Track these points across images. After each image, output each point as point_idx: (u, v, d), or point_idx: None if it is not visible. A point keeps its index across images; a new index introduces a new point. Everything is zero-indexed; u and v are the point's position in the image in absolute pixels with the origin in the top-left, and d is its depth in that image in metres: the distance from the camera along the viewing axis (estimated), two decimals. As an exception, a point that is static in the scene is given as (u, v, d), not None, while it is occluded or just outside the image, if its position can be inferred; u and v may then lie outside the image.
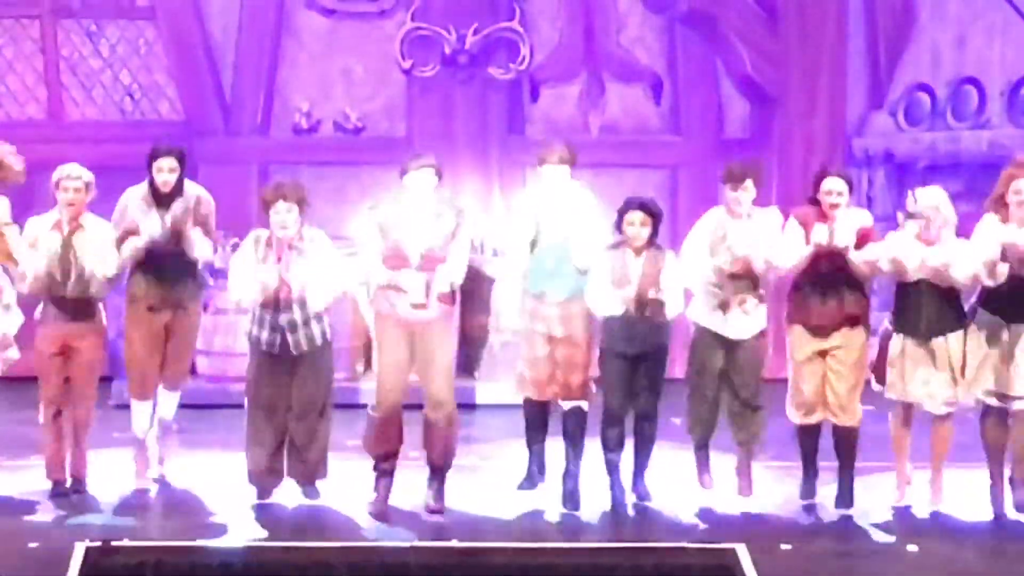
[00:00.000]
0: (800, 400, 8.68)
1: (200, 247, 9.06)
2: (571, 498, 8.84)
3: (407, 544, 8.45)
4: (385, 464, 8.89)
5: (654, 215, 8.69)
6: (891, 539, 8.49)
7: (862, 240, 8.86)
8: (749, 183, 8.58)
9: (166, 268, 9.05)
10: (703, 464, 8.92)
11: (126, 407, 9.66)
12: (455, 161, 12.22)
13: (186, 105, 12.73)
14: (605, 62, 12.81)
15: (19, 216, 9.68)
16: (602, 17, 12.73)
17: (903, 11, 12.85)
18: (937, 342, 8.58)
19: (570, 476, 8.90)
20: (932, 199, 8.89)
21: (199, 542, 8.35)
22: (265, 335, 8.67)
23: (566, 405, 8.90)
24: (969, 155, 12.73)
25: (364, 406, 9.51)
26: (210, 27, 12.58)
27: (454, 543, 8.34)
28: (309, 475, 8.86)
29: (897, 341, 8.70)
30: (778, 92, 12.78)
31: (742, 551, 7.90)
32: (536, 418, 9.01)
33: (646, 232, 8.67)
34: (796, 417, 8.67)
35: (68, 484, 8.90)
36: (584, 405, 8.89)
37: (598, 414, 9.07)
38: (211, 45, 12.62)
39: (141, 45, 12.71)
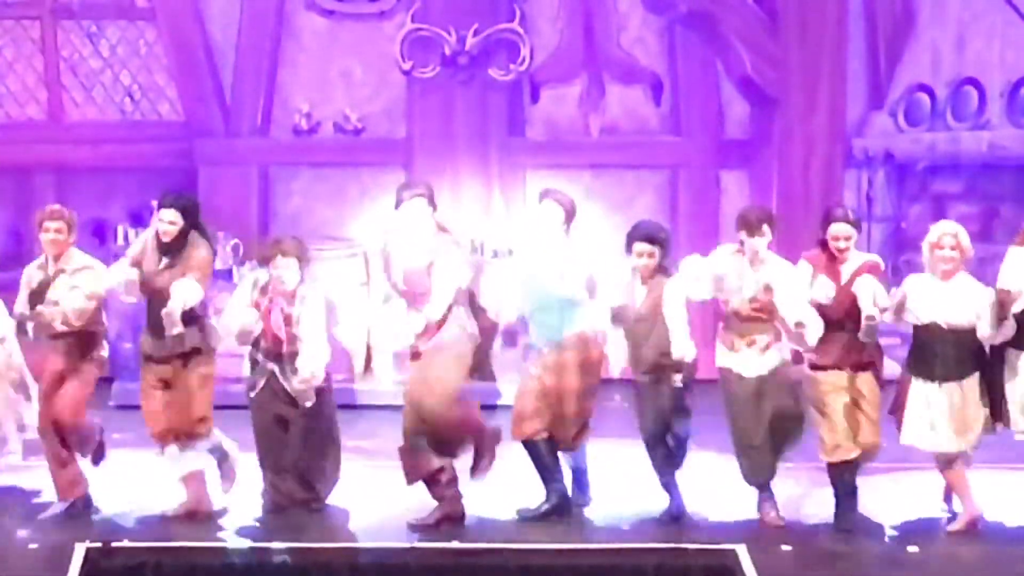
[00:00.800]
0: (833, 439, 8.55)
1: (179, 295, 8.72)
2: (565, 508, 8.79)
3: (407, 545, 8.38)
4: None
5: (661, 244, 8.71)
6: (891, 541, 8.45)
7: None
8: (766, 228, 8.55)
9: (162, 320, 8.96)
10: (770, 502, 8.78)
11: (126, 407, 9.74)
12: (455, 162, 12.34)
13: (186, 106, 12.67)
14: (605, 63, 12.77)
15: (19, 214, 9.73)
16: (602, 18, 12.68)
17: (903, 12, 12.85)
18: (950, 388, 8.50)
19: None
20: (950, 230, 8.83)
21: (199, 543, 8.28)
22: (253, 377, 8.71)
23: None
24: (969, 156, 12.70)
25: (363, 407, 9.59)
26: (210, 28, 12.54)
27: (454, 544, 8.26)
28: (319, 502, 8.90)
29: (915, 387, 8.63)
30: (778, 93, 12.70)
31: (742, 552, 7.93)
32: (540, 456, 8.90)
33: (652, 263, 8.71)
34: (830, 456, 8.54)
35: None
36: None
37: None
38: (211, 46, 12.57)
39: (141, 46, 12.66)
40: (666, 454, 8.94)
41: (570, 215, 8.92)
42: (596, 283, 8.90)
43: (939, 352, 8.53)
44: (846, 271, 8.74)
